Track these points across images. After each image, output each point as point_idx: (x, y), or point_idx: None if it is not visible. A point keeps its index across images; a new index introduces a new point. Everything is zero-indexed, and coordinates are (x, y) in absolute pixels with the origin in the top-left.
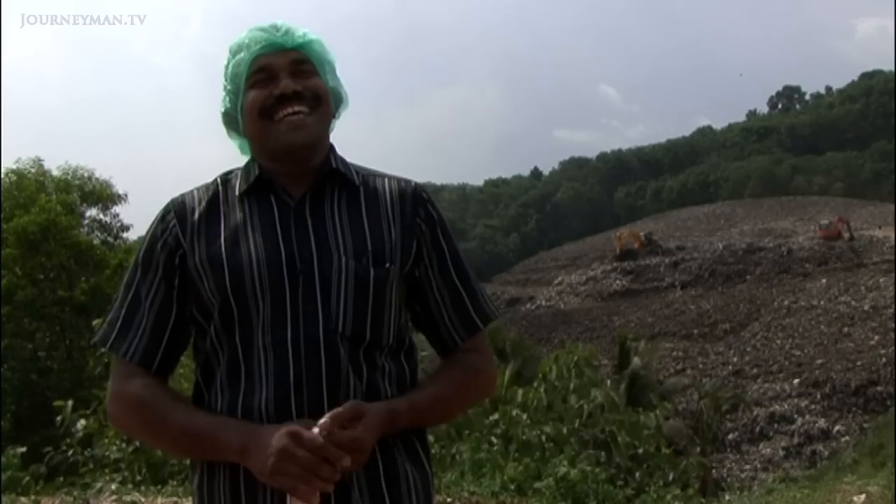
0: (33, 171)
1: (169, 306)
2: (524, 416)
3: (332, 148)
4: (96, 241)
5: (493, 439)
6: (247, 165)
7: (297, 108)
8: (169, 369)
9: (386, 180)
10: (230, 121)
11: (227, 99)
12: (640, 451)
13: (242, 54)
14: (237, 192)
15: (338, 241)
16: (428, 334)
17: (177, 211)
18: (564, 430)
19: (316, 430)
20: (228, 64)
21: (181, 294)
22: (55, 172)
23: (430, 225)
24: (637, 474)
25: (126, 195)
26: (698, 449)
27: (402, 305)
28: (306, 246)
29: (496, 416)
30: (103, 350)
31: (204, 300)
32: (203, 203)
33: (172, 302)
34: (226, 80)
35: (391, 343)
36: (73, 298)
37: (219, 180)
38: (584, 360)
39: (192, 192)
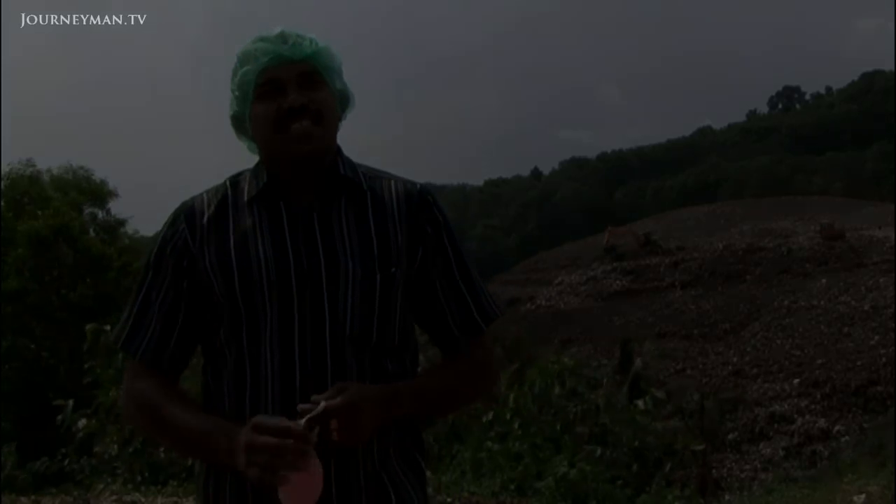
0: (27, 173)
1: (177, 309)
2: (515, 426)
3: (339, 151)
4: (95, 237)
5: (489, 444)
6: (255, 169)
7: (304, 123)
8: (178, 369)
9: (392, 183)
10: (238, 124)
11: (235, 103)
12: (637, 443)
13: (250, 65)
14: (246, 198)
15: (345, 246)
16: (431, 334)
17: (186, 215)
18: (558, 427)
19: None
20: (236, 72)
21: (190, 297)
22: (55, 172)
23: (436, 228)
24: (634, 467)
25: (116, 189)
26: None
27: (406, 308)
28: (314, 252)
29: (490, 416)
30: (96, 358)
31: (214, 303)
32: (212, 207)
33: (181, 305)
34: (233, 86)
35: (396, 345)
36: (75, 300)
37: (228, 183)
38: (570, 371)
39: (201, 195)
